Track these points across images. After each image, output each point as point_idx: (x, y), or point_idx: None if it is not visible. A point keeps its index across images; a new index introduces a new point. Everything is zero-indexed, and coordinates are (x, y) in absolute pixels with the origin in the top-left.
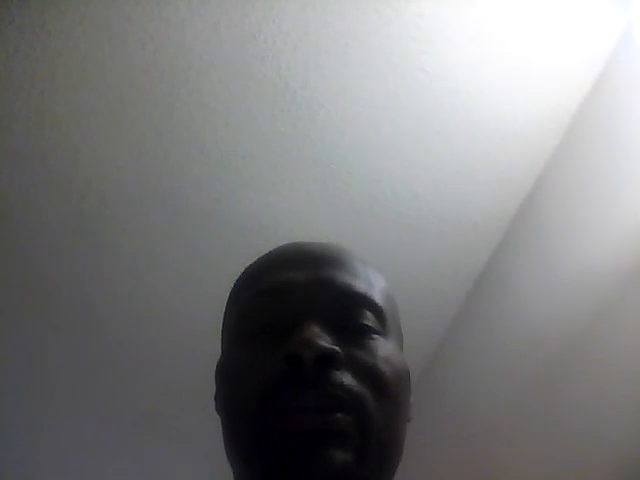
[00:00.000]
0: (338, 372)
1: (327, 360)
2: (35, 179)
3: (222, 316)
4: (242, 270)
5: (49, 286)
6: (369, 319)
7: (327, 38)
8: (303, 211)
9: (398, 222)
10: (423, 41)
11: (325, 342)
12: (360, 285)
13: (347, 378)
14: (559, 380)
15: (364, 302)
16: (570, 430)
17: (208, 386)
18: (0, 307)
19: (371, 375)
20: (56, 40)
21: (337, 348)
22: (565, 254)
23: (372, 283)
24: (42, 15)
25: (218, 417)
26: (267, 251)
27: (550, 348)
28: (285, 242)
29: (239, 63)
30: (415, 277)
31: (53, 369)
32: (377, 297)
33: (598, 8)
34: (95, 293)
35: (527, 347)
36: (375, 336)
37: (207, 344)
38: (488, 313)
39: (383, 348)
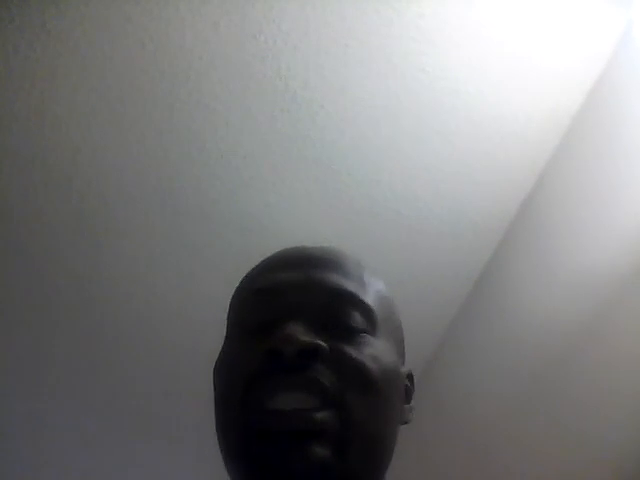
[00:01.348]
0: (322, 365)
1: (310, 354)
2: (35, 179)
3: (222, 316)
4: (242, 270)
5: (49, 286)
6: (358, 318)
7: (327, 38)
8: (303, 211)
9: (398, 222)
10: (423, 41)
11: (308, 338)
12: (350, 285)
13: (330, 370)
14: (559, 380)
15: (353, 302)
16: (570, 430)
17: (208, 386)
18: (0, 307)
19: (356, 370)
20: (56, 40)
21: (321, 342)
22: (565, 254)
23: (364, 284)
24: (42, 15)
25: None
26: (267, 251)
27: (550, 348)
28: (285, 242)
29: (239, 63)
30: (415, 277)
31: (53, 369)
32: (367, 297)
33: (598, 8)
34: (95, 293)
35: (527, 347)
36: (364, 335)
37: (207, 344)
38: (488, 313)
39: (371, 346)
